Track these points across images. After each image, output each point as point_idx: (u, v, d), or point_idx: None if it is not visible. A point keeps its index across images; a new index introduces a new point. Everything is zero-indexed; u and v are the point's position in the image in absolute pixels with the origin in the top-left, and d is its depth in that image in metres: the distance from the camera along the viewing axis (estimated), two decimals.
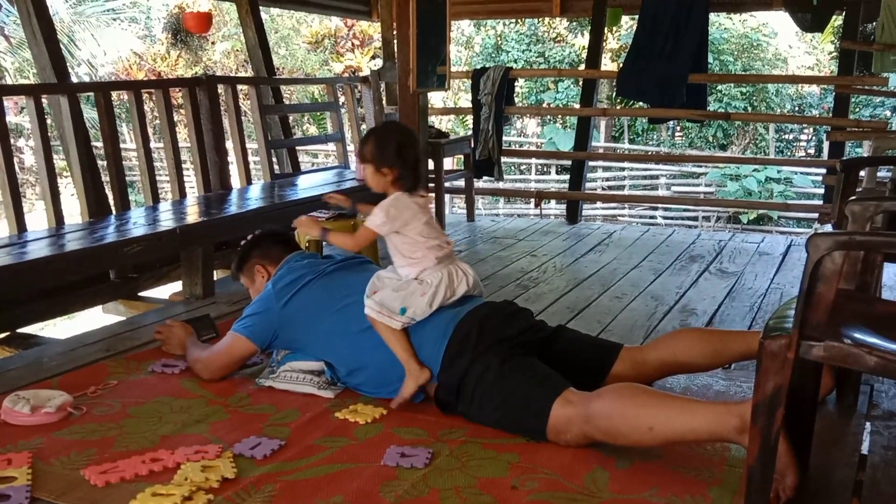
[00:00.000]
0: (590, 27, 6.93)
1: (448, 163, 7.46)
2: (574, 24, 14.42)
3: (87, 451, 2.17)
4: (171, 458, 2.10)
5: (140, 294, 4.50)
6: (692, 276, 4.47)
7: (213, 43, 15.41)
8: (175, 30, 13.90)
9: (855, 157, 8.68)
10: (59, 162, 6.71)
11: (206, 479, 1.98)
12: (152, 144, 4.88)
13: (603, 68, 8.04)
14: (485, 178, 6.49)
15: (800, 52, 15.27)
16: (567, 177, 8.01)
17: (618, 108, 10.58)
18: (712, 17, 6.97)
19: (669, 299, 3.96)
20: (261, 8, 6.60)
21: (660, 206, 11.90)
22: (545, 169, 13.64)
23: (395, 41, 5.71)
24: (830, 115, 6.93)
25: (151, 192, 4.66)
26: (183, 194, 4.87)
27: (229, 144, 5.32)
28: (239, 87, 5.85)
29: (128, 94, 4.65)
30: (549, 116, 14.47)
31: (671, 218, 11.73)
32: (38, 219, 4.59)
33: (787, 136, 14.12)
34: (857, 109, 11.84)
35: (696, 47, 5.87)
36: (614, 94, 11.40)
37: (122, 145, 4.67)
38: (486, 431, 2.27)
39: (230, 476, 2.01)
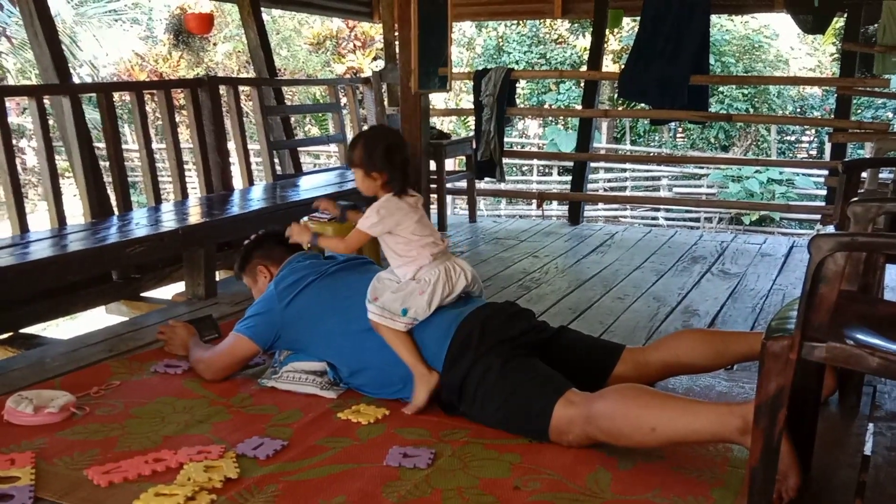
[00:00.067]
0: (591, 28, 6.94)
1: (450, 164, 7.48)
2: (575, 25, 14.42)
3: (90, 451, 2.18)
4: (174, 458, 2.10)
5: (142, 294, 4.51)
6: (694, 277, 4.47)
7: (214, 44, 15.42)
8: (177, 31, 13.90)
9: (857, 158, 8.69)
10: (61, 163, 6.72)
11: (209, 479, 1.98)
12: (154, 145, 4.88)
13: (604, 70, 8.05)
14: (486, 179, 6.48)
15: (801, 53, 15.27)
16: (569, 178, 8.01)
17: (619, 109, 10.57)
18: (714, 18, 6.98)
19: (671, 300, 3.96)
20: (262, 9, 6.61)
21: (662, 207, 11.90)
22: (547, 170, 13.64)
23: (397, 42, 5.72)
24: (832, 116, 6.93)
25: (153, 193, 4.67)
26: (185, 195, 4.88)
27: (231, 145, 5.33)
28: (241, 88, 5.87)
29: (130, 95, 4.65)
30: (550, 118, 14.47)
31: (673, 219, 11.73)
32: (40, 219, 4.60)
33: (788, 138, 14.11)
34: (859, 111, 11.84)
35: (697, 49, 5.87)
36: (616, 95, 11.40)
37: (124, 146, 4.69)
38: (489, 432, 2.27)
39: (233, 476, 2.01)
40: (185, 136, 8.44)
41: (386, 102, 6.58)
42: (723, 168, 11.55)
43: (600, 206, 11.66)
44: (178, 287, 4.40)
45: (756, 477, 1.68)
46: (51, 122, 4.47)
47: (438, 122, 12.63)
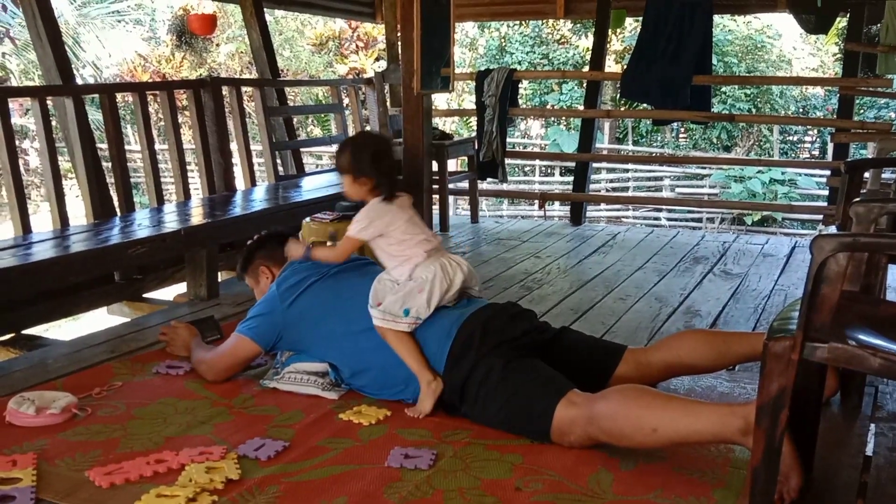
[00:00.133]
0: (594, 29, 6.93)
1: (452, 164, 7.47)
2: (578, 25, 14.42)
3: (91, 452, 2.18)
4: (176, 459, 2.10)
5: (144, 295, 4.51)
6: (696, 277, 4.47)
7: (217, 45, 15.43)
8: (180, 32, 13.92)
9: (859, 158, 8.66)
10: (63, 163, 6.73)
11: (211, 480, 1.98)
12: (157, 146, 4.88)
13: (607, 70, 8.03)
14: (489, 179, 6.49)
15: (804, 53, 15.25)
16: (571, 178, 8.00)
17: (622, 109, 10.57)
18: (716, 18, 6.96)
19: (673, 301, 3.96)
20: (265, 10, 6.62)
21: (664, 207, 11.88)
22: (549, 170, 13.63)
23: (400, 43, 5.71)
24: (835, 116, 6.92)
25: (156, 194, 4.68)
26: (187, 196, 4.88)
27: (234, 146, 5.34)
28: (243, 88, 5.86)
29: (132, 96, 4.66)
30: (552, 118, 14.46)
31: (675, 219, 11.72)
32: (42, 220, 4.60)
33: (791, 138, 14.10)
34: (862, 111, 11.81)
35: (699, 49, 5.87)
36: (618, 95, 11.38)
37: (126, 147, 4.71)
38: (490, 433, 2.27)
39: (234, 477, 2.01)
40: (188, 136, 8.43)
41: (388, 103, 6.58)
42: (725, 168, 11.54)
43: (602, 206, 11.65)
44: (180, 288, 4.41)
45: (758, 477, 1.68)
46: (54, 123, 4.47)
47: (441, 123, 12.62)
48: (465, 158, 6.65)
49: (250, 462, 2.11)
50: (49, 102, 4.22)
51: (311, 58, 15.78)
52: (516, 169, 13.41)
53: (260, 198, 4.89)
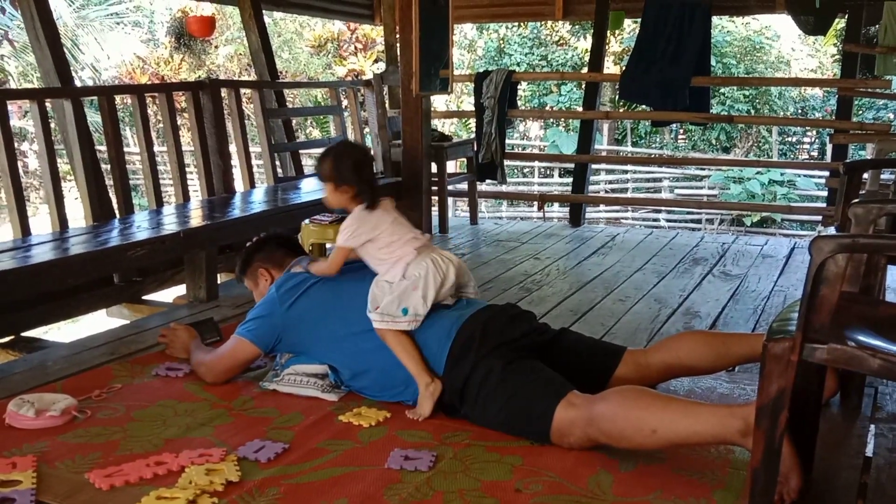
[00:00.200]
0: (592, 30, 6.94)
1: (451, 166, 7.47)
2: (577, 27, 14.42)
3: (91, 454, 2.18)
4: (176, 461, 2.10)
5: (144, 298, 4.51)
6: (695, 278, 4.47)
7: (216, 47, 15.43)
8: (178, 34, 13.93)
9: (858, 159, 8.68)
10: (62, 166, 6.73)
11: (211, 482, 1.98)
12: (156, 148, 4.88)
13: (606, 71, 8.03)
14: (488, 181, 6.49)
15: (803, 54, 15.26)
16: (570, 180, 8.01)
17: (621, 111, 10.58)
18: (715, 20, 6.98)
19: (673, 302, 3.96)
20: (264, 12, 6.62)
21: (663, 208, 11.89)
22: (548, 172, 13.64)
23: (398, 45, 5.72)
24: (833, 117, 6.92)
25: (155, 196, 4.67)
26: (186, 198, 4.88)
27: (232, 148, 5.33)
28: (242, 90, 5.86)
29: (131, 98, 4.66)
30: (551, 119, 14.47)
31: (674, 221, 11.72)
32: (41, 222, 4.59)
33: (790, 139, 14.11)
34: (861, 112, 11.83)
35: (698, 50, 5.88)
36: (617, 97, 11.40)
37: (125, 149, 4.70)
38: (490, 434, 2.27)
39: (234, 479, 2.01)
40: (187, 138, 8.43)
41: (387, 105, 6.58)
42: (724, 169, 11.54)
43: (601, 207, 11.66)
44: (180, 290, 4.41)
45: (757, 479, 1.68)
46: (52, 125, 4.47)
47: (440, 125, 12.57)
48: (464, 160, 6.66)
49: (250, 464, 2.11)
50: (48, 105, 4.22)
51: (309, 60, 15.79)
52: (515, 170, 13.42)
53: (259, 200, 4.89)
